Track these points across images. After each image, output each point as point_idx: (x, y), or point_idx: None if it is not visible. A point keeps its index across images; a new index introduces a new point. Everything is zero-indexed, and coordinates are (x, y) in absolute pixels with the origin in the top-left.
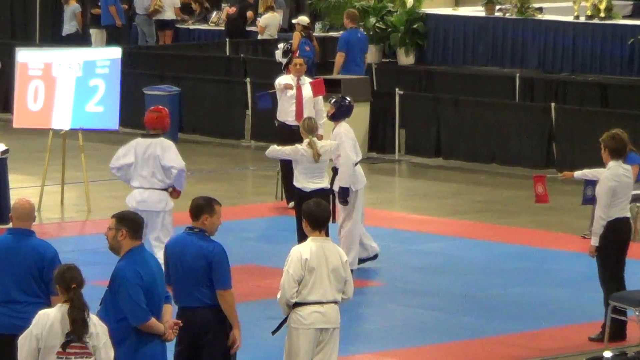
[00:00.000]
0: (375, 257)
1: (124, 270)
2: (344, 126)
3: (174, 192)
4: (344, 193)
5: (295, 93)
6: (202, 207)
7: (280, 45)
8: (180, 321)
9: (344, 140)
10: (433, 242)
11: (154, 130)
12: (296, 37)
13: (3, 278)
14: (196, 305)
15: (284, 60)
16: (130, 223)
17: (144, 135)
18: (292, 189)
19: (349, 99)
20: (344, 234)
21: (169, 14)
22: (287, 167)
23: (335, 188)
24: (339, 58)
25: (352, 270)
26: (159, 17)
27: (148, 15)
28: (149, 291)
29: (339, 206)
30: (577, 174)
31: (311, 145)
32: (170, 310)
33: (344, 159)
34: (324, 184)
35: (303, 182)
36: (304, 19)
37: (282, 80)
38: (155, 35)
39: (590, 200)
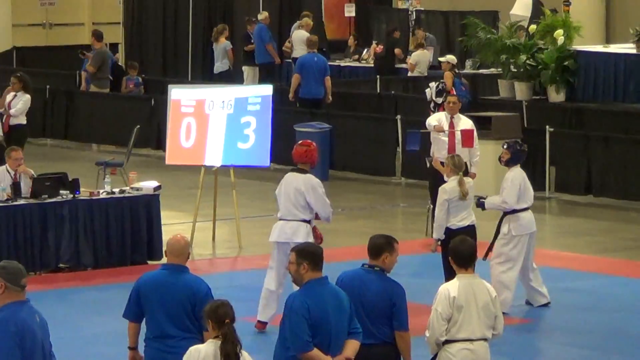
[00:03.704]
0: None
1: (293, 301)
2: (514, 170)
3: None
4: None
5: (448, 131)
6: (382, 246)
7: (432, 85)
8: (350, 356)
9: (509, 185)
10: (583, 280)
11: (302, 164)
12: (448, 76)
13: (157, 313)
14: (372, 342)
15: (439, 100)
16: (310, 256)
17: (292, 170)
18: None
19: (523, 144)
20: (496, 276)
21: (298, 52)
22: None
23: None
24: (294, 80)
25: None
26: (293, 55)
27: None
28: (316, 324)
29: (495, 247)
30: None
31: (460, 183)
32: (353, 346)
33: (500, 200)
34: (470, 220)
35: (450, 220)
36: (452, 58)
37: (432, 121)
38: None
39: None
